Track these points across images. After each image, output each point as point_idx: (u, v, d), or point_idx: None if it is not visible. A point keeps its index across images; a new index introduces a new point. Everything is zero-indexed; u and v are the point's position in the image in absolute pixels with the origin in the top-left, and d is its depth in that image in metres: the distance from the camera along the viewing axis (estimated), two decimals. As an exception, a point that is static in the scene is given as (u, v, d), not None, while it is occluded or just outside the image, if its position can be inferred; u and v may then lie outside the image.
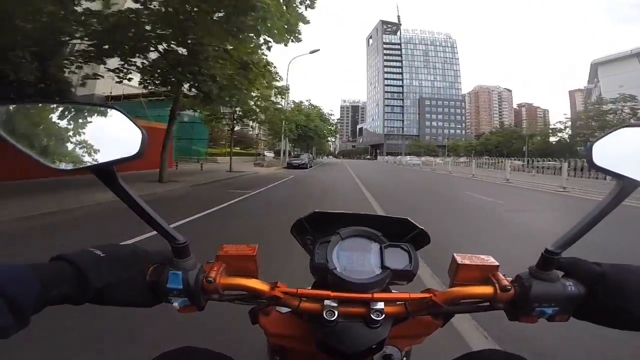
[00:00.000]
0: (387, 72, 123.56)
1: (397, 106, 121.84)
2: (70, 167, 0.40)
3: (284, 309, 0.52)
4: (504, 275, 0.47)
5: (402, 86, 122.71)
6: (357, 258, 0.51)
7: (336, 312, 0.44)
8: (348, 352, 0.44)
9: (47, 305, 0.36)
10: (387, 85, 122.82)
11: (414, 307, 0.46)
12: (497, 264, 0.48)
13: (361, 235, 0.54)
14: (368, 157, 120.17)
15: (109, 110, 0.43)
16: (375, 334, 0.45)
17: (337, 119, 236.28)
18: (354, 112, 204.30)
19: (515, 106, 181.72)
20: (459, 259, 0.48)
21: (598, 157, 0.42)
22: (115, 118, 0.42)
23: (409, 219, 0.55)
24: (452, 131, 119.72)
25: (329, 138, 59.02)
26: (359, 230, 0.54)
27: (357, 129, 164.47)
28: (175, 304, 0.45)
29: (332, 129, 52.82)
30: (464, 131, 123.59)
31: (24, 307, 0.32)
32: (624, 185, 0.41)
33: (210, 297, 0.46)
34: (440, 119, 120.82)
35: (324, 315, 0.44)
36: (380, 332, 0.45)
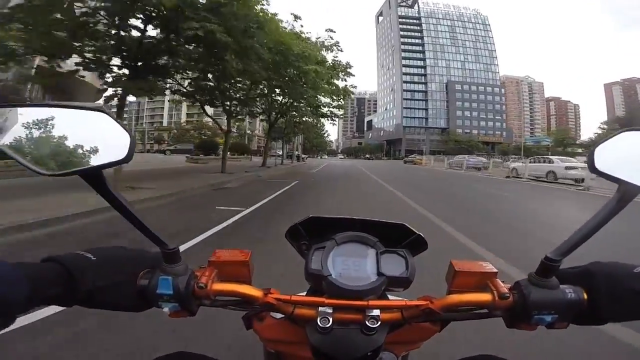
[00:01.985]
0: (405, 51, 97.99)
1: (419, 91, 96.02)
2: (58, 171, 0.39)
3: (279, 315, 0.52)
4: (502, 282, 0.46)
5: (424, 67, 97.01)
6: (352, 264, 0.50)
7: (331, 319, 0.43)
8: (343, 358, 0.44)
9: (35, 306, 0.36)
10: (406, 66, 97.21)
11: (411, 314, 0.46)
12: (495, 270, 0.47)
13: (357, 241, 0.53)
14: (384, 156, 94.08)
15: (97, 112, 0.42)
16: (371, 340, 0.44)
17: (341, 114, 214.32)
18: (359, 105, 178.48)
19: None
20: (457, 265, 0.48)
21: (600, 162, 0.41)
22: (104, 121, 0.42)
23: (405, 224, 0.54)
24: (489, 123, 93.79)
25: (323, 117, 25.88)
26: (354, 235, 0.54)
27: (365, 123, 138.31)
28: (166, 309, 0.45)
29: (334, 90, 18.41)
30: (504, 124, 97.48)
31: (11, 306, 0.32)
32: (625, 190, 0.40)
33: (202, 302, 0.46)
34: (474, 108, 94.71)
35: (319, 322, 0.43)
36: (376, 339, 0.44)
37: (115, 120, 0.42)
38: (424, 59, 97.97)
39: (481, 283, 0.47)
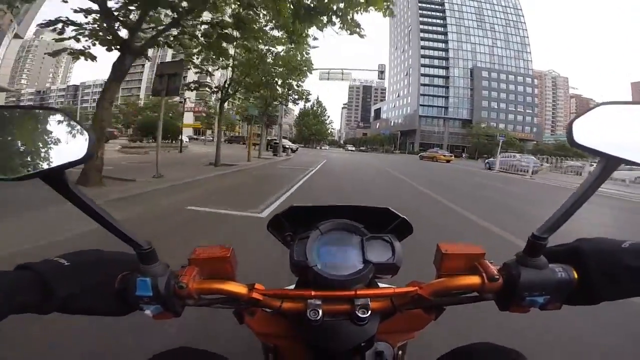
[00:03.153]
0: (424, 32, 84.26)
1: (439, 76, 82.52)
2: (16, 175, 0.37)
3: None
4: (491, 262, 0.45)
5: (446, 50, 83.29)
6: (338, 253, 0.49)
7: (320, 311, 0.42)
8: (337, 350, 0.43)
9: (9, 314, 0.35)
10: (425, 47, 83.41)
11: (401, 301, 0.45)
12: (483, 251, 0.46)
13: (341, 229, 0.52)
14: (395, 149, 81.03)
15: (54, 113, 0.41)
16: (363, 330, 0.43)
17: (344, 104, 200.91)
18: (365, 93, 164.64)
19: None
20: (444, 248, 0.46)
21: (579, 135, 0.41)
22: (61, 121, 0.41)
23: (389, 208, 0.53)
24: (518, 117, 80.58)
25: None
26: (338, 223, 0.52)
27: (372, 111, 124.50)
28: (148, 312, 0.43)
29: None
30: (534, 119, 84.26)
31: None
32: (606, 163, 0.40)
33: (186, 302, 0.45)
34: (503, 99, 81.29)
35: (309, 314, 0.42)
36: (369, 329, 0.44)
37: (74, 120, 0.41)
38: (446, 41, 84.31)
39: (469, 265, 0.45)
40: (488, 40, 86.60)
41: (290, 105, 21.20)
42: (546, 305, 0.43)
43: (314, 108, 77.30)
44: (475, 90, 79.68)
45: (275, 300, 0.45)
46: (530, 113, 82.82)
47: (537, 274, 0.41)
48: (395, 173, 14.25)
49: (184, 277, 0.44)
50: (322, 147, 73.60)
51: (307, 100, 18.44)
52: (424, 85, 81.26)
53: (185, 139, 30.88)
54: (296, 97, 18.24)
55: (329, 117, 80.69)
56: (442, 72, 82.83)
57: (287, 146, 30.48)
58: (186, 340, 1.69)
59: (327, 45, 19.18)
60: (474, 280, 0.44)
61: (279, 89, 16.07)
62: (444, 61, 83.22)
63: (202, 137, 56.71)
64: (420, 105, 79.65)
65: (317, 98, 77.77)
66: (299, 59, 13.83)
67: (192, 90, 12.10)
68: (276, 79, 14.67)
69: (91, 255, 0.44)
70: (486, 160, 25.52)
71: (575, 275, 0.41)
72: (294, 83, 16.35)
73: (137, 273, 0.43)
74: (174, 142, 17.24)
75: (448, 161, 33.20)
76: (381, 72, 22.65)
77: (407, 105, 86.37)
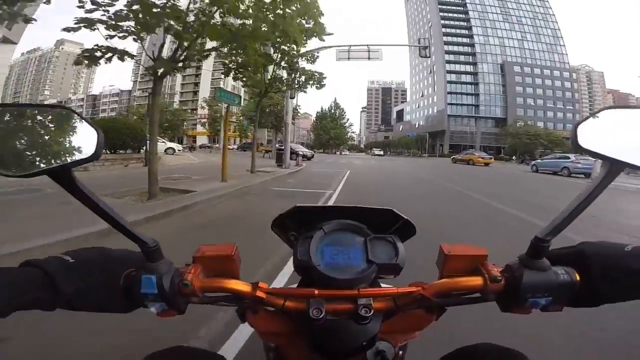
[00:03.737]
0: (446, 27, 78.56)
1: (466, 73, 76.20)
2: (25, 172, 0.38)
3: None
4: (493, 264, 0.45)
5: (472, 45, 77.10)
6: (341, 253, 0.49)
7: (323, 310, 0.42)
8: (339, 349, 0.43)
9: (16, 310, 0.35)
10: (449, 43, 77.59)
11: (403, 301, 0.45)
12: (486, 253, 0.46)
13: (345, 229, 0.52)
14: (423, 153, 73.52)
15: (63, 111, 0.42)
16: (365, 330, 0.43)
17: (363, 107, 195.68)
18: (384, 95, 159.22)
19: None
20: (447, 249, 0.46)
21: (583, 139, 0.41)
22: (71, 119, 0.41)
23: (393, 209, 0.53)
24: (558, 114, 73.01)
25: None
26: (342, 223, 0.53)
27: (394, 113, 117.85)
28: (152, 309, 0.44)
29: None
30: (577, 115, 76.21)
31: None
32: (610, 167, 0.40)
33: (190, 300, 0.45)
34: (539, 95, 74.03)
35: (311, 313, 0.42)
36: (371, 328, 0.44)
37: (82, 118, 0.41)
38: (470, 36, 78.23)
39: (472, 266, 0.46)
40: (516, 33, 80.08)
41: (298, 98, 15.08)
42: (548, 307, 0.43)
43: (332, 111, 71.91)
44: (508, 87, 72.85)
45: (279, 299, 0.45)
46: (571, 109, 75.08)
47: (540, 276, 0.42)
48: (456, 187, 10.05)
49: (188, 274, 0.44)
50: (342, 153, 66.69)
51: (321, 85, 11.84)
52: (451, 82, 75.07)
53: (177, 147, 25.84)
54: (303, 80, 11.82)
55: (348, 119, 74.90)
56: (469, 68, 76.57)
57: (300, 152, 24.63)
58: (189, 336, 1.75)
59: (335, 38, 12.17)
60: (477, 281, 0.44)
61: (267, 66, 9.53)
62: (470, 57, 77.06)
63: (216, 145, 53.02)
64: (448, 104, 73.34)
65: (335, 100, 73.02)
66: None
67: (101, 60, 5.54)
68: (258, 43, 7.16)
69: (96, 253, 0.44)
70: (532, 162, 22.87)
71: (578, 278, 0.42)
72: (292, 50, 9.91)
73: (142, 270, 0.43)
74: (140, 151, 12.07)
75: (487, 164, 28.69)
76: (424, 48, 17.08)
77: (433, 105, 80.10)
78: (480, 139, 69.56)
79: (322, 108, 74.12)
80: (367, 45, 15.30)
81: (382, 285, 0.52)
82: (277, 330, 0.52)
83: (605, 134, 0.41)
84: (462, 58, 77.31)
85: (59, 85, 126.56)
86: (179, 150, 25.50)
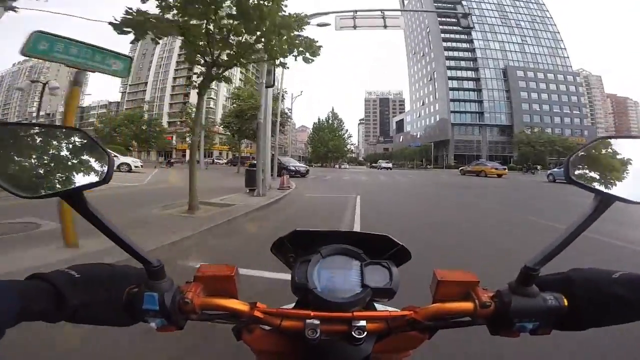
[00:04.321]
0: (445, 32, 75.98)
1: (468, 79, 73.13)
2: (38, 193, 0.39)
3: (268, 326, 0.52)
4: (484, 289, 0.47)
5: (472, 50, 74.32)
6: (338, 276, 0.51)
7: (318, 331, 0.44)
8: None
9: (22, 321, 0.36)
10: (449, 49, 74.86)
11: (396, 323, 0.46)
12: (477, 279, 0.48)
13: (342, 253, 0.54)
14: (427, 165, 69.17)
15: (76, 132, 0.42)
16: (359, 351, 0.45)
17: (361, 119, 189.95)
18: (382, 105, 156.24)
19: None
20: (439, 275, 0.48)
21: (575, 171, 0.41)
22: (83, 141, 0.41)
23: (389, 235, 0.55)
24: (565, 120, 69.83)
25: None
26: (339, 248, 0.54)
27: (394, 124, 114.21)
28: (153, 324, 0.45)
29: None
30: (584, 120, 73.21)
31: (2, 321, 0.33)
32: (601, 200, 0.40)
33: (189, 317, 0.47)
34: (544, 101, 70.93)
35: (306, 334, 0.43)
36: (364, 349, 0.45)
37: (94, 141, 0.41)
38: (470, 40, 75.53)
39: (463, 292, 0.47)
40: (516, 37, 77.75)
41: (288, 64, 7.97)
42: (536, 331, 0.44)
43: (329, 121, 68.43)
44: (512, 92, 69.76)
45: (276, 319, 0.46)
46: (578, 114, 72.06)
47: (528, 302, 0.43)
48: (530, 217, 6.98)
49: (189, 293, 0.46)
50: (342, 166, 59.70)
51: (314, 54, 6.50)
52: (453, 89, 71.91)
53: (135, 162, 20.33)
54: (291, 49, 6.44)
55: (347, 130, 70.80)
56: (471, 73, 73.62)
57: (292, 167, 19.91)
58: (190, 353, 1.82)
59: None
60: (467, 306, 0.45)
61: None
62: (471, 62, 74.23)
63: (207, 159, 48.55)
64: (451, 112, 69.98)
65: (332, 110, 69.70)
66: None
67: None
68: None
69: (101, 269, 0.46)
70: (549, 172, 21.95)
71: (566, 303, 0.43)
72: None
73: (144, 287, 0.45)
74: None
75: (500, 175, 26.23)
76: (464, 16, 12.62)
77: (435, 113, 76.75)
78: (486, 148, 65.92)
79: (319, 119, 70.64)
80: (381, 10, 10.93)
81: (377, 307, 0.55)
82: (272, 349, 0.53)
83: (597, 165, 0.40)
84: (463, 64, 74.47)
85: (48, 97, 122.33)
86: (136, 167, 20.20)
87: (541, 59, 76.44)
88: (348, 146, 75.16)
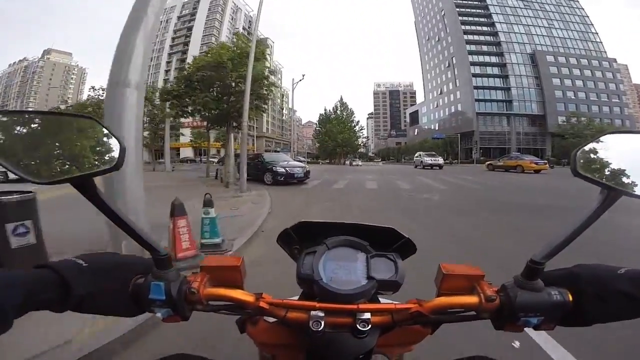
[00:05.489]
0: (462, 15, 68.55)
1: (492, 64, 65.54)
2: (50, 179, 0.39)
3: (272, 318, 0.52)
4: (490, 284, 0.47)
5: (495, 33, 66.78)
6: (343, 268, 0.51)
7: (323, 322, 0.44)
8: None
9: (29, 311, 0.36)
10: (468, 32, 67.30)
11: (400, 317, 0.46)
12: (482, 273, 0.47)
13: (348, 245, 0.54)
14: (455, 160, 59.20)
15: (88, 120, 0.42)
16: (362, 344, 0.45)
17: (370, 113, 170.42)
18: (392, 98, 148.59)
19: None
20: (445, 269, 0.48)
21: (582, 165, 0.40)
22: (95, 129, 0.42)
23: (394, 228, 0.55)
24: (603, 109, 62.06)
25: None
26: (345, 240, 0.54)
27: (407, 116, 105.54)
28: (159, 314, 0.45)
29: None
30: (624, 109, 65.27)
31: (9, 312, 0.33)
32: (608, 194, 0.40)
33: (195, 307, 0.47)
34: (579, 88, 63.20)
35: (311, 325, 0.43)
36: (367, 342, 0.45)
37: (106, 129, 0.41)
38: (491, 24, 67.99)
39: (469, 285, 0.47)
40: (542, 21, 69.95)
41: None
42: (540, 326, 0.44)
43: (337, 111, 60.63)
44: (543, 78, 62.09)
45: (281, 310, 0.46)
46: (617, 102, 64.20)
47: (533, 296, 0.43)
48: None
49: (195, 283, 0.46)
50: (353, 163, 47.12)
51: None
52: (476, 75, 64.34)
53: None
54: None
55: (358, 122, 62.76)
56: (495, 59, 66.00)
57: (281, 169, 12.11)
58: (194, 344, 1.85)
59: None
60: (472, 300, 0.45)
61: None
62: (495, 47, 66.61)
63: (200, 158, 41.63)
64: (475, 100, 62.45)
65: (341, 99, 61.99)
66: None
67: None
68: None
69: (108, 258, 0.46)
70: None
71: (570, 299, 0.43)
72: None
73: (151, 277, 0.45)
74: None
75: (538, 171, 22.36)
76: None
77: (456, 102, 69.06)
78: (515, 140, 58.39)
79: (325, 109, 62.87)
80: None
81: (382, 300, 0.54)
82: (275, 341, 0.53)
83: (604, 160, 0.40)
84: (485, 48, 66.86)
85: (44, 97, 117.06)
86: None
87: (572, 43, 68.71)
88: (360, 139, 67.34)
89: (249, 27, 75.72)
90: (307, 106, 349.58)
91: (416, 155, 34.98)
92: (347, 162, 52.83)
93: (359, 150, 73.04)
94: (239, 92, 11.17)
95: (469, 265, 0.49)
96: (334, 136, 56.02)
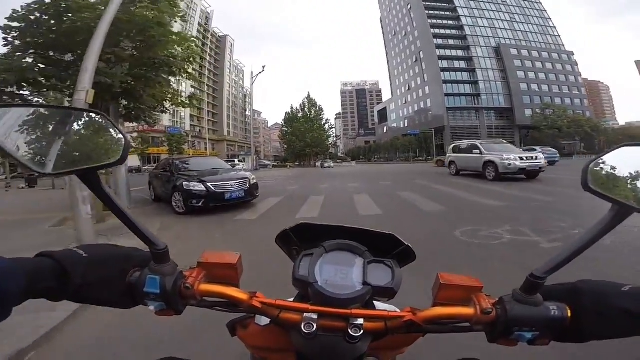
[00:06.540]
0: (429, 9, 67.62)
1: (458, 58, 64.81)
2: (58, 170, 0.40)
3: (263, 322, 0.52)
4: (487, 296, 0.46)
5: (461, 27, 66.18)
6: (340, 272, 0.50)
7: (315, 325, 0.43)
8: None
9: (29, 299, 0.37)
10: (435, 26, 66.23)
11: (393, 324, 0.46)
12: (481, 285, 0.47)
13: (346, 249, 0.54)
14: (429, 157, 57.04)
15: (94, 114, 0.42)
16: (354, 349, 0.44)
17: (337, 114, 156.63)
18: (359, 97, 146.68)
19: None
20: (443, 278, 0.47)
21: (594, 180, 0.39)
22: (101, 122, 0.42)
23: (394, 234, 0.54)
24: (565, 100, 63.18)
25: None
26: (343, 244, 0.54)
27: (375, 114, 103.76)
28: (152, 307, 0.45)
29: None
30: (584, 101, 66.94)
31: (9, 300, 0.34)
32: (618, 210, 0.39)
33: (189, 302, 0.47)
34: (542, 81, 64.05)
35: (303, 327, 0.43)
36: (359, 347, 0.45)
37: (111, 123, 0.42)
38: (457, 17, 67.39)
39: (466, 297, 0.46)
40: (504, 14, 70.48)
41: None
42: (534, 341, 0.44)
43: (305, 108, 56.94)
44: (509, 72, 62.25)
45: (273, 310, 0.46)
46: (578, 95, 65.76)
47: (530, 311, 0.42)
48: None
49: (190, 278, 0.46)
50: (325, 165, 43.82)
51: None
52: (444, 70, 63.23)
53: None
54: None
55: (327, 120, 59.59)
56: (462, 53, 65.31)
57: (200, 186, 6.77)
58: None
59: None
60: (468, 311, 0.45)
61: None
62: (461, 40, 66.01)
63: (146, 168, 35.55)
64: (445, 94, 61.16)
65: (309, 95, 58.16)
66: None
67: None
68: None
69: (107, 249, 0.46)
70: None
71: (569, 314, 0.42)
72: None
73: (147, 270, 0.45)
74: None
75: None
76: None
77: (425, 98, 67.86)
78: (486, 133, 57.67)
79: (292, 107, 58.69)
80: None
81: (377, 305, 0.54)
82: (267, 344, 0.53)
83: (617, 174, 0.39)
84: (451, 42, 66.05)
85: None
86: None
87: (532, 37, 69.82)
88: (330, 138, 63.89)
89: None
90: (274, 109, 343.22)
91: (451, 147, 15.70)
92: (319, 164, 48.78)
93: (329, 151, 69.10)
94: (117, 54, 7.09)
95: (469, 276, 0.48)
96: (303, 136, 52.36)
